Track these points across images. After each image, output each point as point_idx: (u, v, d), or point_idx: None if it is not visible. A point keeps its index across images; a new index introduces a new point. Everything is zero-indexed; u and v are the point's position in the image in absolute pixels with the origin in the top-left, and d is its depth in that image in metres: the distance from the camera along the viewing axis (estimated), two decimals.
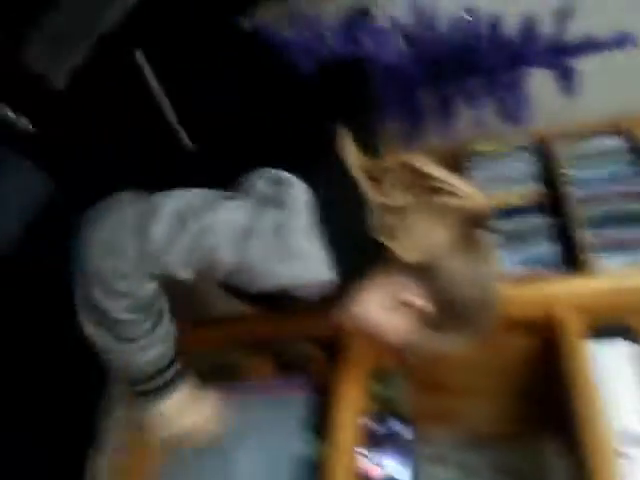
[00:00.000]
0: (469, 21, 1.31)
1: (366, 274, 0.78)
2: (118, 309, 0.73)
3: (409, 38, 1.35)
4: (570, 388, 1.00)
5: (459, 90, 1.42)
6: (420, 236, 0.76)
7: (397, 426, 1.13)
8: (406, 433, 1.12)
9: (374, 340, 0.88)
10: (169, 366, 0.84)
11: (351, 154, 0.81)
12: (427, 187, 0.77)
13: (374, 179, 0.80)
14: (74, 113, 0.82)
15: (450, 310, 0.79)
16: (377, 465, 1.08)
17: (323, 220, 0.73)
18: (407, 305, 0.80)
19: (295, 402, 1.19)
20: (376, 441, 1.10)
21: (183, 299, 1.31)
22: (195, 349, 1.24)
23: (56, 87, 0.80)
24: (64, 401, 1.01)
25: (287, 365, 1.23)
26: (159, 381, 0.83)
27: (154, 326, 0.78)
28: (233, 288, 0.81)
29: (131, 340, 0.76)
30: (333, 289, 0.77)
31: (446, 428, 1.43)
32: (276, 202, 0.72)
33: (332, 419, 1.04)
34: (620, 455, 0.94)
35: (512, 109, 1.40)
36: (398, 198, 0.77)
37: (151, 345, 0.79)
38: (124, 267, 0.71)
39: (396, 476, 1.06)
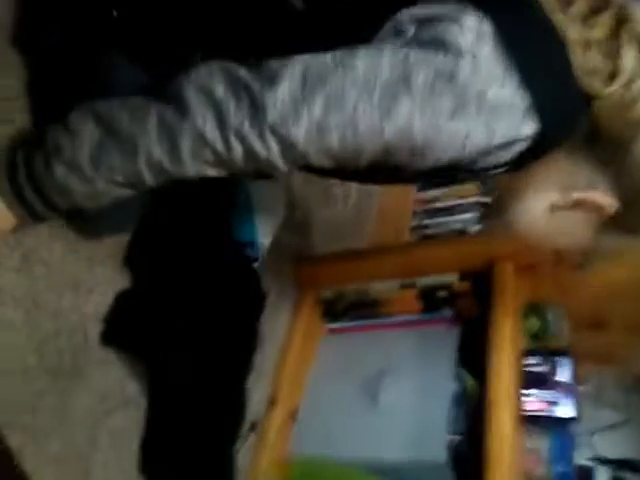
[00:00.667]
0: None
1: (573, 128, 0.59)
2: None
3: None
4: None
5: None
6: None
7: (556, 362, 1.06)
8: (566, 370, 1.05)
9: (540, 250, 0.75)
10: None
11: None
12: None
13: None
14: None
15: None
16: (541, 404, 1.03)
17: (510, 55, 0.54)
18: (586, 203, 0.63)
19: (442, 336, 1.16)
20: (536, 379, 1.05)
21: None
22: (340, 282, 1.26)
23: None
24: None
25: (433, 299, 1.20)
26: None
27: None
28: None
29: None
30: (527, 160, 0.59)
31: (607, 369, 1.34)
32: (436, 44, 0.55)
33: (490, 359, 1.00)
34: None
35: None
36: (597, 28, 0.56)
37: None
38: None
39: (561, 415, 1.01)
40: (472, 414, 1.05)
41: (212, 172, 0.59)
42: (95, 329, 0.79)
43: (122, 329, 0.82)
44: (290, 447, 1.15)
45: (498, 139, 0.56)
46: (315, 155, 0.57)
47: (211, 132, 0.55)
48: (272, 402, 1.15)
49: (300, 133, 0.55)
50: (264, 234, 1.08)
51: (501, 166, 0.61)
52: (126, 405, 0.84)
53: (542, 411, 1.01)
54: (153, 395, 0.87)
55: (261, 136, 0.55)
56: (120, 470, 0.84)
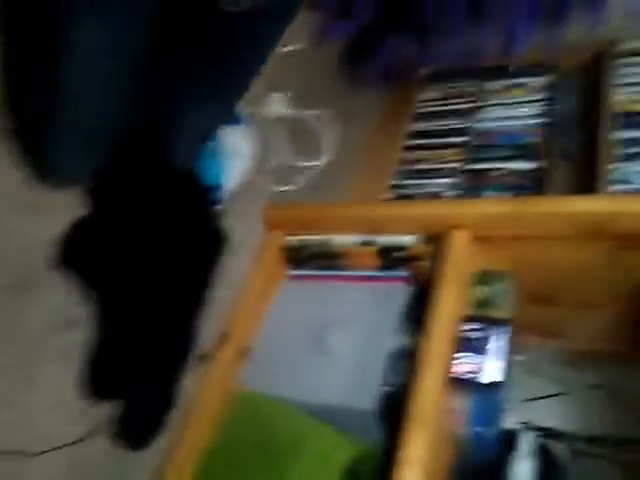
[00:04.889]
0: None
1: None
2: None
3: None
4: None
5: None
6: None
7: (495, 331, 1.11)
8: (502, 338, 1.10)
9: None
10: None
11: None
12: None
13: None
14: None
15: None
16: (471, 367, 1.08)
17: None
18: None
19: (394, 294, 1.21)
20: (471, 344, 1.10)
21: None
22: (306, 231, 1.30)
23: None
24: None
25: (391, 258, 1.24)
26: None
27: None
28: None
29: None
30: None
31: (548, 342, 1.39)
32: None
33: (428, 320, 1.05)
34: None
35: None
36: None
37: None
38: None
39: (488, 379, 1.06)
40: (409, 370, 1.11)
41: None
42: (48, 251, 0.84)
43: (74, 254, 0.87)
44: (237, 382, 1.22)
45: None
46: None
47: None
48: (225, 338, 1.21)
49: None
50: (231, 178, 1.12)
51: None
52: (75, 326, 0.90)
53: (471, 374, 1.06)
54: (102, 320, 0.93)
55: None
56: (65, 381, 0.90)
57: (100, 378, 0.92)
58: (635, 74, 1.36)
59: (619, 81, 1.40)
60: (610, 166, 1.22)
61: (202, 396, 1.15)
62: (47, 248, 0.85)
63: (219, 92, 0.86)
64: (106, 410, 0.95)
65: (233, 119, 1.08)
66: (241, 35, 0.77)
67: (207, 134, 0.97)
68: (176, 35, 0.78)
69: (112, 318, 0.93)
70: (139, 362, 0.96)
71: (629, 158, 1.23)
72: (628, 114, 1.33)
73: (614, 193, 1.21)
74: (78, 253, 0.88)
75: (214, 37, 0.77)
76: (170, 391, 1.03)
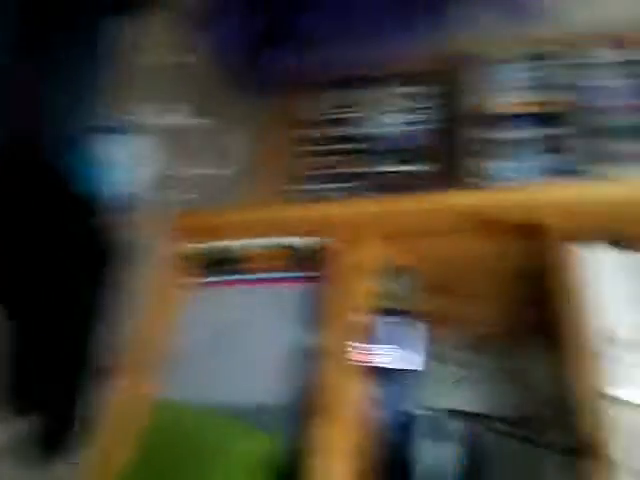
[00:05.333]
0: None
1: None
2: None
3: None
4: (555, 291, 1.05)
5: None
6: None
7: (401, 322, 1.19)
8: (417, 327, 1.18)
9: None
10: None
11: None
12: None
13: None
14: None
15: None
16: (380, 355, 1.15)
17: None
18: None
19: (298, 294, 1.26)
20: (381, 335, 1.17)
21: None
22: (209, 237, 1.32)
23: None
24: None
25: (295, 259, 1.28)
26: None
27: None
28: None
29: None
30: None
31: (449, 330, 1.50)
32: None
33: (326, 310, 1.11)
34: (601, 356, 0.99)
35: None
36: None
37: None
38: None
39: (399, 366, 1.13)
40: (315, 365, 1.16)
41: None
42: None
43: None
44: (152, 393, 1.21)
45: None
46: None
47: None
48: (133, 349, 1.21)
49: None
50: (130, 187, 1.11)
51: None
52: None
53: (382, 363, 1.13)
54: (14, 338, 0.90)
55: None
56: None
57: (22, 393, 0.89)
58: (490, 80, 1.50)
59: (479, 86, 1.53)
60: (479, 163, 1.34)
61: (114, 409, 1.14)
62: None
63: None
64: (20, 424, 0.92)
65: (124, 128, 1.08)
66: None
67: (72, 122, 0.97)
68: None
69: (22, 337, 0.91)
70: (42, 375, 0.94)
71: (493, 155, 1.35)
72: (498, 115, 1.46)
73: (489, 187, 1.33)
74: None
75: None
76: (74, 403, 1.01)
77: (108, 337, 1.06)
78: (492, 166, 1.30)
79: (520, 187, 1.22)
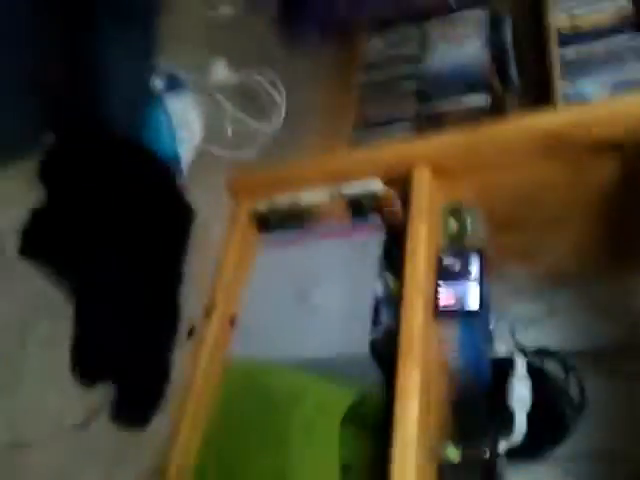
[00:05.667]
0: None
1: None
2: None
3: None
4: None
5: None
6: None
7: (471, 260, 1.12)
8: (480, 266, 1.12)
9: None
10: None
11: None
12: None
13: None
14: None
15: None
16: (453, 298, 1.09)
17: None
18: None
19: (369, 243, 1.22)
20: (450, 276, 1.11)
21: None
22: (273, 193, 1.30)
23: None
24: None
25: (360, 208, 1.24)
26: None
27: None
28: None
29: None
30: None
31: (525, 266, 1.42)
32: None
33: (405, 259, 1.06)
34: None
35: None
36: None
37: None
38: None
39: (471, 308, 1.07)
40: (395, 311, 1.12)
41: None
42: (11, 242, 0.83)
43: (38, 244, 0.85)
44: (229, 351, 1.22)
45: None
46: None
47: None
48: (209, 310, 1.21)
49: None
50: (186, 148, 1.10)
51: None
52: (51, 314, 0.88)
53: (456, 304, 1.08)
54: (80, 305, 0.92)
55: None
56: (55, 369, 0.89)
57: (88, 362, 0.91)
58: None
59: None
60: (561, 82, 1.24)
61: (195, 370, 1.15)
62: (11, 238, 0.83)
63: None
64: (102, 393, 0.94)
65: (174, 83, 1.07)
66: None
67: (136, 88, 0.97)
68: None
69: (90, 302, 0.92)
70: (126, 342, 0.96)
71: (576, 73, 1.25)
72: (570, 32, 1.34)
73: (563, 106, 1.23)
74: (41, 243, 0.87)
75: None
76: (161, 366, 1.02)
77: (187, 300, 1.07)
78: (574, 84, 1.20)
79: (599, 103, 1.12)
